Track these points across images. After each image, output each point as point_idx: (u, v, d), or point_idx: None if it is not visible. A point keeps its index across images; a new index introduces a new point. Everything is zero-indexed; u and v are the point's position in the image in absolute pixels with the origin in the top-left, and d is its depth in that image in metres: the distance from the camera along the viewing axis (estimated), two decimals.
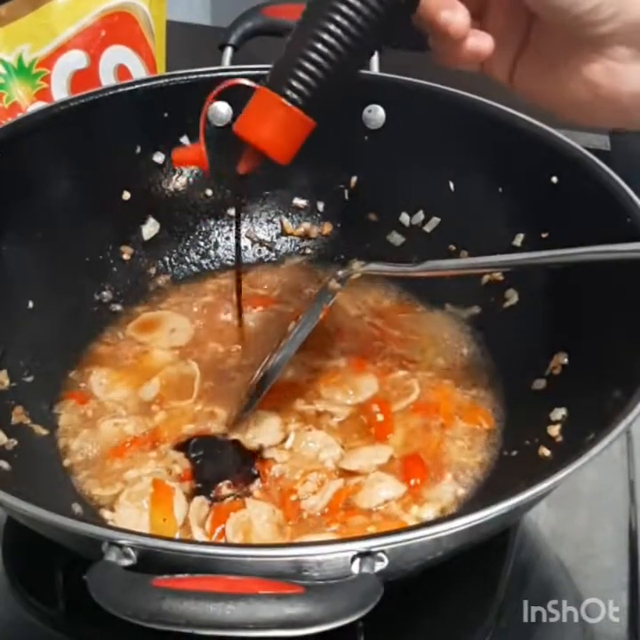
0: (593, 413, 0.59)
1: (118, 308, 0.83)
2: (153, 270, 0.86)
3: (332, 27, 0.56)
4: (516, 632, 0.64)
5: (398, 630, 0.62)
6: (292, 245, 0.90)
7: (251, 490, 0.67)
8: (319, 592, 0.46)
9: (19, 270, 0.75)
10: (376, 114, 0.83)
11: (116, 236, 0.84)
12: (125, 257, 0.85)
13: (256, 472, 0.68)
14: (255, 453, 0.70)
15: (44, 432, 0.70)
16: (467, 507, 0.66)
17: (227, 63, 0.91)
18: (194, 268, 0.88)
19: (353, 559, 0.47)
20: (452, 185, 0.82)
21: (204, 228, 0.88)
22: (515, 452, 0.69)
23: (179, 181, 0.87)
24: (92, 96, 0.80)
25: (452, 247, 0.82)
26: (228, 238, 0.88)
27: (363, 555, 0.47)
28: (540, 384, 0.71)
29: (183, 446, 0.70)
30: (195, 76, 0.83)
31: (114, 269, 0.84)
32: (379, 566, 0.47)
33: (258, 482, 0.68)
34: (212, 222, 0.88)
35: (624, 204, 0.68)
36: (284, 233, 0.90)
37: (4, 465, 0.62)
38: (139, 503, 0.65)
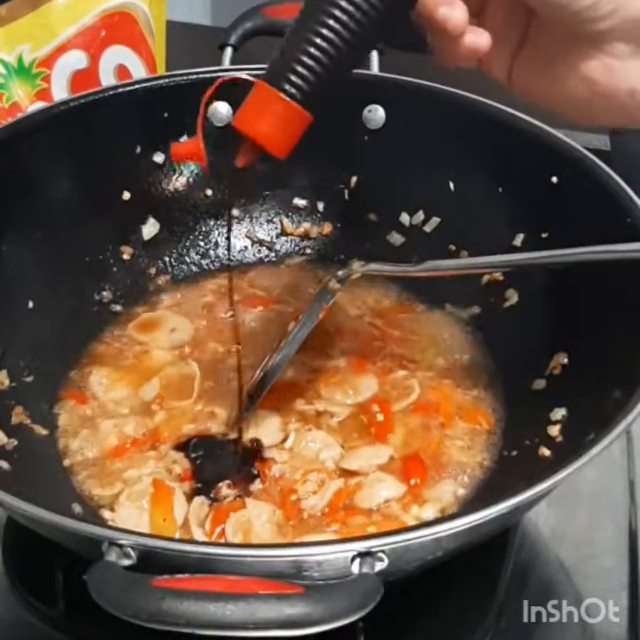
0: (593, 413, 0.59)
1: (118, 308, 0.83)
2: (153, 270, 0.86)
3: (331, 22, 0.56)
4: (516, 632, 0.64)
5: (398, 630, 0.62)
6: (292, 245, 0.90)
7: (251, 490, 0.67)
8: (319, 592, 0.46)
9: (19, 270, 0.75)
10: (376, 114, 0.83)
11: (116, 236, 0.84)
12: (125, 257, 0.84)
13: (256, 472, 0.68)
14: (255, 453, 0.70)
15: (44, 432, 0.70)
16: (467, 507, 0.66)
17: (227, 63, 0.90)
18: (194, 268, 0.88)
19: (353, 559, 0.47)
20: (451, 185, 0.82)
21: (203, 228, 0.88)
22: (515, 452, 0.69)
23: (179, 181, 0.87)
24: (92, 96, 0.80)
25: (452, 247, 0.82)
26: (228, 238, 0.88)
27: (363, 555, 0.47)
28: (540, 384, 0.71)
29: (183, 446, 0.70)
30: (195, 76, 0.83)
31: (114, 269, 0.84)
32: (379, 566, 0.47)
33: (258, 482, 0.68)
34: (211, 222, 0.88)
35: (624, 204, 0.68)
36: (284, 233, 0.90)
37: (4, 465, 0.62)
38: (139, 503, 0.65)
